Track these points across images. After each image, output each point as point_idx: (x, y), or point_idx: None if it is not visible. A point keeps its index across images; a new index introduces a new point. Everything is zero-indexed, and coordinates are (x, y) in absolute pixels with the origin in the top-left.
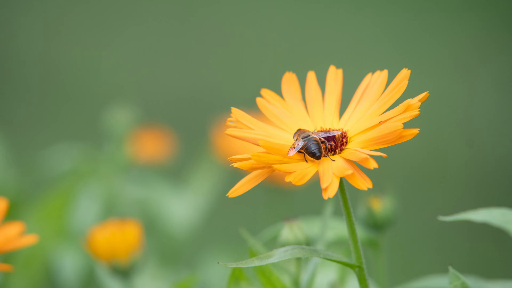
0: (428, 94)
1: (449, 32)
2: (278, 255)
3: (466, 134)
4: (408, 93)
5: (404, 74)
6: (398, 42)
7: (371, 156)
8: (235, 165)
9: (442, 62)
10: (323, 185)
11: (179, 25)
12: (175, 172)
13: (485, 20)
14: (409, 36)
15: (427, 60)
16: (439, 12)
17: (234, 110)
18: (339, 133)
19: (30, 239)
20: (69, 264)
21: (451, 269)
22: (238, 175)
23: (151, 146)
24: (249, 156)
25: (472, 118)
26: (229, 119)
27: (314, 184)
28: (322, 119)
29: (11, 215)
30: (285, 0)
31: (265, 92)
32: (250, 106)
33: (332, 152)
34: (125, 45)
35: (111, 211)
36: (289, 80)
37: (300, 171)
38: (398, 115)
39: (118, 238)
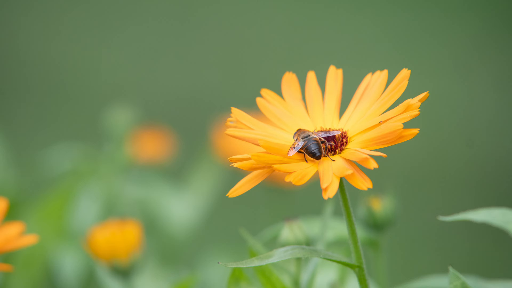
0: (428, 94)
1: (449, 32)
2: (278, 255)
3: (466, 134)
4: (408, 93)
5: (404, 74)
6: (398, 42)
7: (371, 156)
8: (235, 165)
9: (442, 62)
10: (323, 185)
11: (179, 25)
12: (175, 172)
13: (485, 20)
14: (409, 36)
15: (427, 60)
16: (439, 12)
17: (234, 110)
18: (339, 133)
19: (30, 239)
20: (69, 264)
21: (451, 269)
22: (238, 175)
23: (151, 146)
24: (249, 156)
25: (472, 118)
26: (229, 119)
27: (314, 184)
28: (322, 119)
29: (11, 215)
30: (285, 0)
31: (265, 92)
32: (250, 106)
33: (332, 152)
34: (125, 45)
35: (111, 211)
36: (289, 80)
37: (300, 171)
38: (398, 115)
39: (118, 238)
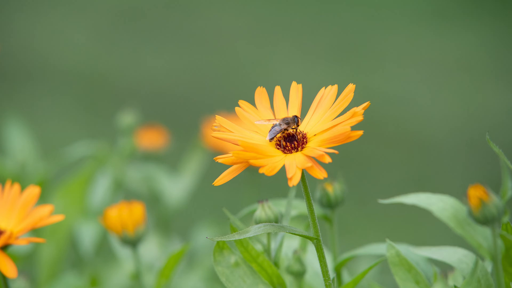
0: (369, 103)
1: (453, 32)
2: (253, 231)
3: (466, 134)
4: (417, 94)
5: (350, 88)
6: (403, 42)
7: (326, 152)
8: (220, 161)
9: (444, 61)
10: (289, 175)
11: (179, 26)
12: (172, 160)
13: (488, 20)
14: (413, 35)
15: (429, 60)
16: (441, 12)
17: (218, 117)
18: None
19: (58, 218)
20: (88, 234)
21: (387, 240)
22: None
23: (153, 139)
24: (230, 154)
25: (472, 118)
26: (214, 124)
27: (283, 172)
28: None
29: (42, 194)
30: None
31: (242, 102)
32: (236, 105)
33: (295, 149)
34: (127, 52)
35: (120, 189)
36: (260, 93)
37: (270, 165)
38: (346, 120)
39: (127, 215)
